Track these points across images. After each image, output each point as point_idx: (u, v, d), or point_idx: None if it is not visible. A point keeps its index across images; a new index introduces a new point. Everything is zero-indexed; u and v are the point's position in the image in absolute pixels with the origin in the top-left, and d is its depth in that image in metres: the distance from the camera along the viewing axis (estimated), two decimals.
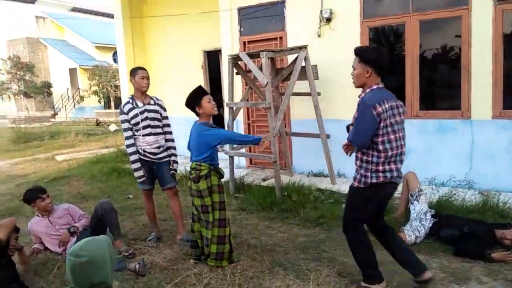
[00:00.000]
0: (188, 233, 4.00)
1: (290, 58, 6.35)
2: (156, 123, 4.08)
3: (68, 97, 26.00)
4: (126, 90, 9.14)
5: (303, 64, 5.62)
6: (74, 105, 25.83)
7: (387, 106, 2.69)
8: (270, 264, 3.54)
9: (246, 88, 6.60)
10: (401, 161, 2.86)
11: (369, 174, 2.79)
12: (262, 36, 6.93)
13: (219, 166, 3.64)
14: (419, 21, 5.42)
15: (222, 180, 3.63)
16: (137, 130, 4.00)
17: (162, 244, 4.12)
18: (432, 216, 4.07)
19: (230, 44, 7.22)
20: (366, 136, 2.71)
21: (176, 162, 4.24)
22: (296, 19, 6.46)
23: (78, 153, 10.31)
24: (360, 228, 3.02)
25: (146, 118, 4.01)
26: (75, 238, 3.84)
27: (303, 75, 5.67)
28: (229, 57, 5.87)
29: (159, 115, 4.12)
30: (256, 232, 4.39)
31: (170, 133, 4.27)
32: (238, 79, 6.86)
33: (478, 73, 5.10)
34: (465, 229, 3.76)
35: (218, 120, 9.03)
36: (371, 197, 2.87)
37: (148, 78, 4.08)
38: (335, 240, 4.10)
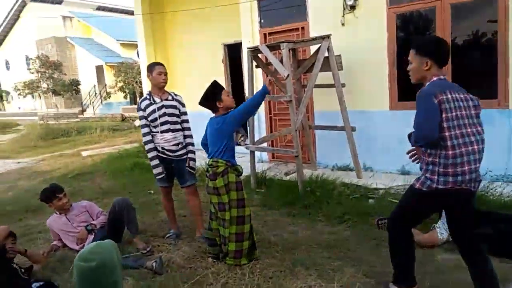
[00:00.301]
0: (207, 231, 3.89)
1: (313, 49, 6.13)
2: (175, 119, 3.97)
3: (96, 93, 26.54)
4: (147, 86, 9.14)
5: (326, 54, 5.39)
6: (101, 101, 26.34)
7: (450, 96, 2.35)
8: (291, 263, 3.38)
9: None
10: (476, 162, 2.39)
11: (435, 177, 2.40)
12: (283, 27, 6.73)
13: (238, 163, 3.52)
14: (450, 4, 5.07)
15: (244, 175, 3.54)
16: (155, 127, 3.90)
17: (181, 241, 4.03)
18: None
19: (250, 37, 7.06)
20: (432, 126, 2.31)
21: (193, 159, 4.11)
22: (318, 8, 6.22)
23: (103, 149, 10.44)
24: (406, 231, 2.69)
25: (164, 114, 3.90)
26: (92, 236, 3.81)
27: (326, 66, 5.44)
28: (248, 49, 5.71)
29: (177, 111, 4.02)
30: (277, 229, 4.23)
31: (189, 129, 4.15)
32: (259, 72, 6.69)
33: None
34: (502, 225, 3.48)
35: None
36: (432, 204, 2.54)
37: (165, 74, 3.97)
38: (361, 238, 3.90)
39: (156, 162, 3.94)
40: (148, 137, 3.92)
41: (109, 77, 25.19)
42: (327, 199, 4.79)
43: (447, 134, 2.35)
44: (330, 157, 6.40)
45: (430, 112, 2.33)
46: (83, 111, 26.29)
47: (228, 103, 3.44)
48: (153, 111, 3.87)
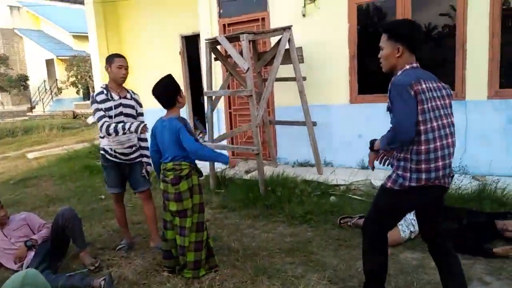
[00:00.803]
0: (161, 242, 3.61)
1: (273, 40, 5.92)
2: (131, 120, 3.60)
3: (46, 89, 25.10)
4: (99, 80, 8.58)
5: (287, 46, 5.19)
6: (52, 98, 24.97)
7: (424, 86, 2.17)
8: (253, 271, 3.17)
9: (226, 75, 6.15)
10: (450, 156, 2.25)
11: (408, 174, 2.23)
12: (243, 18, 6.45)
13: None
14: None
15: (204, 174, 3.29)
16: None
17: (134, 253, 3.70)
18: None
19: (209, 28, 6.73)
20: (410, 126, 2.12)
21: (149, 163, 3.78)
22: None
23: (51, 150, 9.77)
24: (382, 235, 2.50)
25: (121, 114, 3.53)
26: (33, 252, 3.39)
27: (287, 58, 5.25)
28: (206, 41, 5.40)
29: (134, 111, 3.66)
30: (238, 233, 4.01)
31: None
32: (218, 65, 6.40)
33: (474, 50, 4.75)
34: (464, 221, 3.46)
35: (199, 109, 8.60)
36: (405, 203, 2.36)
37: (126, 68, 3.60)
38: (324, 239, 3.76)
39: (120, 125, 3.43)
40: (106, 122, 3.42)
41: (61, 71, 23.92)
42: (288, 198, 4.63)
43: (422, 128, 2.17)
44: (291, 153, 6.26)
45: (408, 110, 2.12)
46: (31, 108, 24.84)
47: (183, 102, 3.25)
48: (109, 109, 3.49)
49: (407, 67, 2.27)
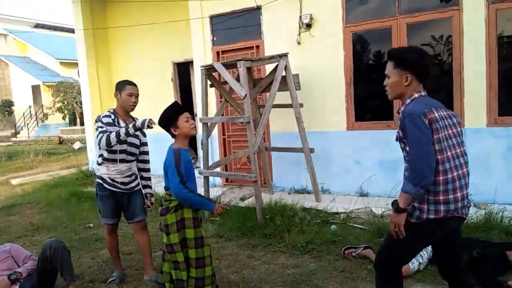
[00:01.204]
0: (158, 274, 3.38)
1: (268, 67, 5.92)
2: (134, 150, 3.47)
3: (31, 115, 24.67)
4: (89, 106, 8.42)
5: (284, 73, 5.15)
6: (37, 123, 24.52)
7: (437, 115, 2.10)
8: None
9: (220, 102, 6.07)
10: (467, 186, 2.19)
11: (425, 206, 2.11)
12: (237, 46, 6.45)
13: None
14: (406, 24, 5.08)
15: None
16: (109, 152, 3.35)
17: (125, 286, 3.45)
18: None
19: (202, 55, 6.70)
20: (430, 154, 2.03)
21: (152, 195, 3.62)
22: (273, 26, 6.03)
23: (36, 176, 9.40)
24: (397, 272, 2.34)
25: (125, 142, 3.35)
26: (17, 287, 3.12)
27: (283, 85, 5.20)
28: (202, 68, 5.33)
29: (138, 141, 3.51)
30: (236, 265, 3.80)
31: (148, 162, 3.67)
32: (211, 92, 6.32)
33: (471, 78, 4.78)
34: (474, 252, 3.33)
35: (192, 136, 8.44)
36: (422, 237, 2.19)
37: (137, 96, 3.47)
38: (328, 271, 3.58)
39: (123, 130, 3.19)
40: (106, 135, 3.18)
41: (47, 97, 23.61)
42: (288, 227, 4.45)
43: (439, 157, 2.07)
44: (287, 179, 6.13)
45: (425, 139, 2.02)
46: (16, 133, 24.32)
47: (185, 130, 2.88)
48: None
49: (416, 95, 2.21)
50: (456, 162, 2.13)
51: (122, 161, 3.40)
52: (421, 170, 2.03)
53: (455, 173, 2.11)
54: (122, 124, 3.39)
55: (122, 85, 3.45)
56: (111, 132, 3.20)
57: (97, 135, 3.24)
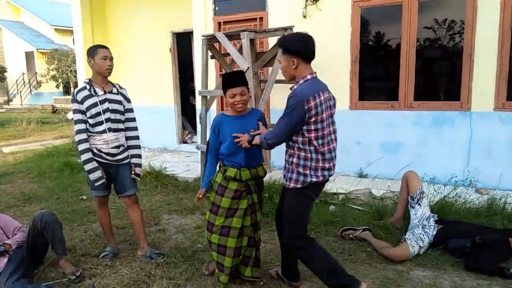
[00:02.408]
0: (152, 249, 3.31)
1: (271, 41, 5.69)
2: (118, 116, 3.32)
3: (24, 82, 24.20)
4: (84, 75, 8.16)
5: None
6: (31, 91, 24.09)
7: (322, 98, 2.47)
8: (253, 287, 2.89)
9: (221, 74, 5.87)
10: (335, 158, 2.64)
11: (308, 172, 2.53)
12: (239, 16, 6.19)
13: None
14: (418, 2, 4.85)
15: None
16: (93, 125, 3.22)
17: (119, 262, 3.35)
18: (436, 222, 3.55)
19: (203, 25, 6.43)
20: (289, 131, 2.49)
21: (139, 165, 3.46)
22: None
23: (29, 144, 9.22)
24: (311, 239, 2.74)
25: (107, 110, 3.23)
26: (6, 259, 3.00)
27: None
28: (203, 37, 5.11)
29: (122, 107, 3.35)
30: None
31: (135, 129, 3.48)
32: (211, 64, 6.10)
33: (482, 60, 4.61)
34: (477, 238, 3.26)
35: (190, 110, 8.27)
36: (309, 197, 2.65)
37: (111, 59, 3.29)
38: None
39: (93, 164, 3.20)
40: (84, 135, 3.19)
41: (41, 64, 23.11)
42: None
43: (313, 135, 2.47)
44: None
45: (293, 123, 2.45)
46: (9, 101, 23.94)
47: (228, 102, 2.82)
48: (93, 105, 3.18)
49: (309, 77, 2.52)
50: (331, 137, 2.58)
51: (109, 130, 3.25)
52: (279, 136, 2.52)
53: (331, 146, 2.57)
54: (100, 92, 3.25)
55: (93, 50, 3.26)
56: (82, 140, 3.19)
57: (74, 122, 3.22)
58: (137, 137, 3.49)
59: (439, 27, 4.98)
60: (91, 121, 3.20)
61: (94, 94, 3.20)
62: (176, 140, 7.98)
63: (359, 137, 5.46)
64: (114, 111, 3.28)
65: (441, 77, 5.32)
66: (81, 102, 3.17)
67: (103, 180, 3.25)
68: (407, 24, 4.93)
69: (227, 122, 2.84)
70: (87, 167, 3.21)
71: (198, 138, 6.04)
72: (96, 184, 3.24)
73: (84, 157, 3.19)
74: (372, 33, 5.44)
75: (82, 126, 3.19)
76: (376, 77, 5.71)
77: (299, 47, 2.49)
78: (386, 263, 3.28)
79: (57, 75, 21.54)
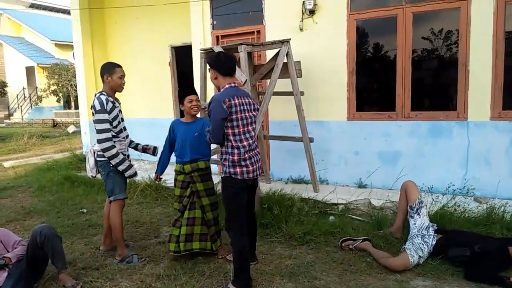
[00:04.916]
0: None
1: (268, 54, 5.77)
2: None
3: (25, 97, 24.33)
4: (84, 89, 8.23)
5: (285, 60, 5.02)
6: (31, 105, 24.20)
7: (237, 101, 2.97)
8: None
9: (214, 83, 5.91)
10: (254, 151, 3.11)
11: (226, 163, 3.02)
12: (237, 30, 6.29)
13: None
14: (412, 13, 4.94)
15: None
16: (118, 132, 3.63)
17: (119, 274, 3.36)
18: (435, 231, 3.56)
19: (201, 39, 6.53)
20: (219, 134, 2.99)
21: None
22: (276, 11, 5.86)
23: (29, 159, 9.25)
24: (243, 226, 3.10)
25: (123, 120, 3.74)
26: (6, 273, 3.01)
27: (284, 72, 5.07)
28: (201, 51, 5.19)
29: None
30: None
31: None
32: (209, 78, 6.16)
33: (477, 70, 4.67)
34: (476, 247, 3.26)
35: None
36: (234, 188, 3.04)
37: (124, 77, 3.72)
38: (327, 263, 3.52)
39: (127, 163, 3.63)
40: (112, 142, 3.53)
41: (41, 79, 23.27)
42: (285, 217, 4.37)
43: (236, 131, 2.99)
44: (285, 169, 6.04)
45: (219, 121, 2.95)
46: (9, 115, 24.02)
47: (186, 107, 3.66)
48: (117, 115, 3.61)
49: (227, 86, 3.07)
50: (247, 135, 3.04)
51: (127, 136, 3.76)
52: (212, 130, 3.02)
53: (245, 143, 3.02)
54: (117, 104, 3.66)
55: (111, 68, 3.63)
56: (113, 146, 3.53)
57: (102, 131, 3.46)
58: None
59: (434, 37, 5.06)
60: (115, 129, 3.59)
61: (116, 106, 3.61)
62: None
63: (358, 148, 5.50)
64: (123, 119, 3.75)
65: (437, 87, 5.38)
66: (109, 113, 3.50)
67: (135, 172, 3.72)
68: (402, 35, 5.01)
69: (179, 126, 3.67)
70: (124, 165, 3.58)
71: None
72: (134, 177, 3.74)
73: (119, 158, 3.54)
74: (368, 44, 5.52)
75: (110, 134, 3.52)
76: (373, 88, 5.78)
77: (213, 63, 3.11)
78: (386, 273, 3.28)
79: (57, 90, 21.67)
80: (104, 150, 3.49)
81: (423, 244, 3.44)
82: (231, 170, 3.00)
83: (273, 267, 3.45)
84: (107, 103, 3.48)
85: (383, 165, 5.30)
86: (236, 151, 2.99)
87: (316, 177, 5.35)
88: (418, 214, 3.68)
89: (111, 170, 3.58)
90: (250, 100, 3.13)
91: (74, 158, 7.88)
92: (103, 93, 3.56)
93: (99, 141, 3.48)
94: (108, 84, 3.60)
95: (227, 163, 3.01)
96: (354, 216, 4.52)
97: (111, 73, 3.59)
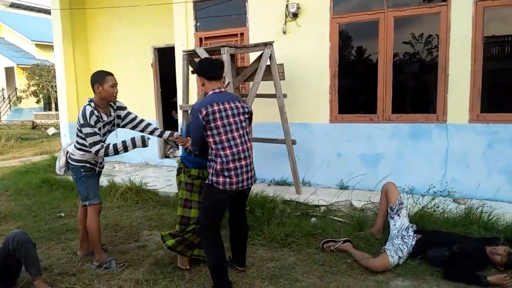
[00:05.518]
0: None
1: (252, 56, 5.76)
2: (108, 135, 3.64)
3: (4, 98, 23.76)
4: (64, 91, 8.06)
5: (268, 62, 5.02)
6: (10, 107, 23.65)
7: (215, 108, 2.88)
8: None
9: (202, 89, 5.88)
10: (242, 159, 2.93)
11: (211, 171, 2.93)
12: (220, 32, 6.27)
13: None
14: (394, 18, 5.01)
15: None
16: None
17: (97, 280, 3.28)
18: (415, 232, 3.60)
19: (184, 40, 6.48)
20: (197, 143, 2.98)
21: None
22: (259, 14, 5.87)
23: (7, 161, 9.01)
24: (217, 234, 3.05)
25: (106, 132, 3.51)
26: None
27: (267, 75, 5.07)
28: (184, 53, 5.15)
29: (114, 126, 3.62)
30: None
31: (141, 119, 3.78)
32: (193, 79, 6.13)
33: (456, 74, 4.77)
34: (455, 247, 3.31)
35: (172, 124, 8.24)
36: (215, 197, 2.96)
37: (117, 85, 3.46)
38: (308, 265, 3.51)
39: (121, 144, 3.42)
40: (103, 148, 3.34)
41: (21, 80, 22.73)
42: (267, 220, 4.35)
43: (211, 140, 2.90)
44: (267, 171, 6.02)
45: (196, 131, 2.94)
46: None
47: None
48: (99, 129, 3.37)
49: (210, 92, 3.02)
50: (231, 142, 2.89)
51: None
52: (193, 141, 3.05)
53: (227, 151, 2.88)
54: (104, 117, 3.40)
55: (101, 77, 3.38)
56: (114, 144, 3.35)
57: (93, 144, 3.28)
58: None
59: (415, 42, 5.15)
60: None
61: (100, 120, 3.36)
62: (158, 154, 7.92)
63: (340, 150, 5.53)
64: (109, 131, 3.55)
65: (418, 90, 5.47)
66: (95, 126, 3.30)
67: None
68: (384, 39, 5.08)
69: None
70: (128, 147, 3.44)
71: (179, 153, 6.01)
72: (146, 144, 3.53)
73: (120, 148, 3.38)
74: (351, 48, 5.58)
75: (101, 143, 3.33)
76: (355, 91, 5.83)
77: (198, 69, 3.18)
78: (367, 274, 3.29)
79: (37, 91, 21.22)
80: (105, 155, 3.35)
81: (402, 245, 3.46)
82: (213, 178, 2.90)
83: (254, 269, 3.42)
84: (90, 116, 3.27)
85: (365, 167, 5.35)
86: (218, 159, 2.87)
87: (299, 179, 5.36)
88: (398, 215, 3.72)
89: (82, 175, 3.48)
90: (238, 104, 2.99)
91: (53, 161, 7.65)
92: (91, 103, 3.34)
93: (95, 154, 3.33)
94: (99, 94, 3.35)
95: (211, 171, 2.92)
96: (335, 218, 4.53)
97: (101, 82, 3.33)
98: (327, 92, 5.50)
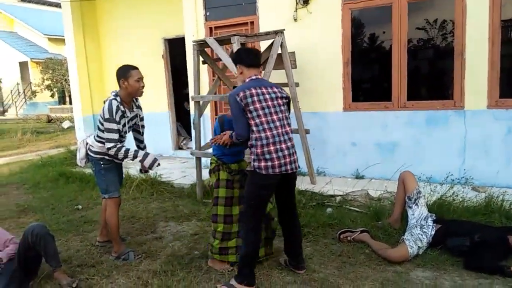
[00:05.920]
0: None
1: (263, 45, 5.69)
2: (135, 134, 3.82)
3: (19, 92, 24.13)
4: (77, 83, 8.12)
5: (279, 51, 4.95)
6: (26, 101, 24.02)
7: (253, 91, 2.87)
8: None
9: (214, 79, 5.86)
10: (282, 142, 2.87)
11: (253, 157, 2.87)
12: (230, 21, 6.20)
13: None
14: (407, 2, 4.87)
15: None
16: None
17: (116, 271, 3.32)
18: (434, 221, 3.53)
19: (194, 31, 6.44)
20: (243, 127, 2.88)
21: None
22: (269, 2, 5.78)
23: (24, 155, 9.17)
24: (259, 224, 3.02)
25: (129, 129, 3.57)
26: None
27: (279, 63, 5.00)
28: (194, 43, 5.10)
29: (138, 119, 3.70)
30: None
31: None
32: (204, 69, 6.10)
33: (473, 59, 4.62)
34: (476, 237, 3.24)
35: (185, 115, 8.25)
36: (259, 183, 2.89)
37: (143, 79, 3.45)
38: (325, 255, 3.49)
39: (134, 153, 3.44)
40: (118, 147, 3.37)
41: (35, 74, 23.06)
42: None
43: (252, 122, 2.84)
44: None
45: (238, 115, 2.88)
46: (4, 111, 23.86)
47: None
48: (123, 126, 3.42)
49: (247, 80, 3.01)
50: (271, 125, 2.85)
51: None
52: (236, 127, 2.94)
53: (268, 133, 2.83)
54: (128, 113, 3.43)
55: (126, 72, 3.37)
56: (127, 148, 3.36)
57: (112, 140, 3.28)
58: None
59: (429, 27, 5.00)
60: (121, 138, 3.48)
61: (124, 115, 3.38)
62: (171, 146, 7.95)
63: (354, 139, 5.46)
64: (131, 126, 3.58)
65: (434, 76, 5.34)
66: (119, 122, 3.33)
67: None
68: (398, 24, 4.95)
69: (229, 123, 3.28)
70: (138, 155, 3.45)
71: (193, 144, 6.02)
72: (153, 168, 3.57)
73: (129, 153, 3.38)
74: (363, 34, 5.46)
75: (118, 142, 3.36)
76: (368, 78, 5.73)
77: (236, 57, 3.16)
78: (385, 264, 3.26)
79: (51, 85, 21.48)
80: (115, 156, 3.39)
81: (422, 235, 3.41)
82: (256, 164, 2.83)
83: (271, 261, 3.42)
84: (116, 112, 3.27)
85: (381, 155, 5.27)
86: (259, 142, 2.81)
87: (313, 169, 5.32)
88: (416, 204, 3.65)
89: (102, 168, 3.51)
90: (276, 89, 2.99)
91: (69, 154, 7.80)
92: (117, 98, 3.33)
93: (107, 149, 3.35)
94: (126, 89, 3.35)
95: (252, 157, 2.86)
96: (352, 208, 4.50)
97: (126, 77, 3.33)
98: (340, 80, 5.41)
